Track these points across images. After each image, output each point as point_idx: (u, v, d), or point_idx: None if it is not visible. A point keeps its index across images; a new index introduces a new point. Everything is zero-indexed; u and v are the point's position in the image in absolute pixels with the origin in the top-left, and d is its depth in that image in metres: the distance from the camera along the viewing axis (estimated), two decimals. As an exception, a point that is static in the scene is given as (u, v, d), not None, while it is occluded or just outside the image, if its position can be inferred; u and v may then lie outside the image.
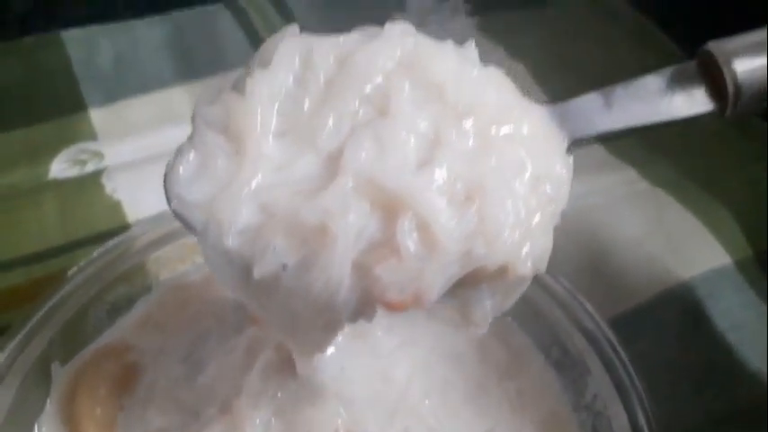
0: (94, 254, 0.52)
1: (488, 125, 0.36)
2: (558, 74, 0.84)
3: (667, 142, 0.76)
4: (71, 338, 0.51)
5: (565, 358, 0.50)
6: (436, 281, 0.34)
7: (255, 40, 0.87)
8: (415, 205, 0.33)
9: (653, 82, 0.40)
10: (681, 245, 0.66)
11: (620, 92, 0.40)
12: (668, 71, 0.40)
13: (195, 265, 0.55)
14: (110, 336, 0.52)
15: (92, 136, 0.76)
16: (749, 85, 0.38)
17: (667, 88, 0.40)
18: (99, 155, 0.74)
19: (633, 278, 0.64)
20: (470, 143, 0.35)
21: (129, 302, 0.54)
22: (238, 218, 0.34)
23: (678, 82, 0.40)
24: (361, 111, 0.36)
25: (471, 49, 0.39)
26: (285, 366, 0.47)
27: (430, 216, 0.33)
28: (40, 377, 0.48)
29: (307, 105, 0.36)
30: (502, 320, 0.52)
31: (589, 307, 0.50)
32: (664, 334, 0.60)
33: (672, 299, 0.62)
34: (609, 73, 0.81)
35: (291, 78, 0.36)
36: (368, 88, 0.36)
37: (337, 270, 0.33)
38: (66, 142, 0.75)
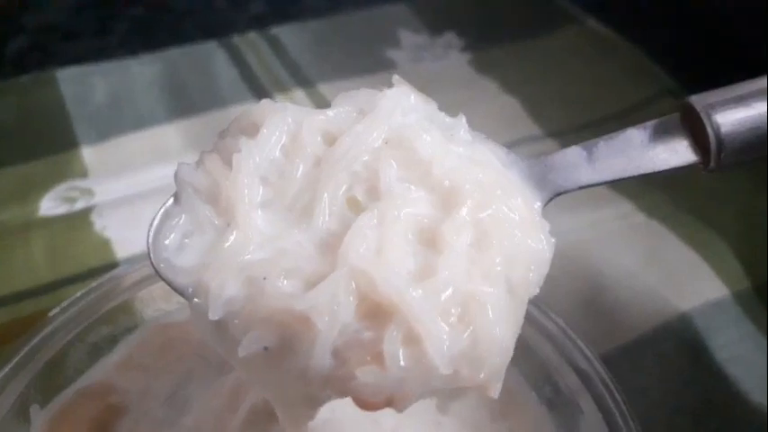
0: (77, 294, 0.51)
1: (478, 211, 0.35)
2: (552, 107, 0.84)
3: (663, 175, 0.75)
4: (51, 380, 0.49)
5: (557, 398, 0.49)
6: (415, 392, 0.33)
7: (250, 78, 0.88)
8: (410, 319, 0.33)
9: (636, 135, 0.40)
10: (678, 277, 0.65)
11: (603, 145, 0.40)
12: (651, 124, 0.40)
13: (180, 304, 0.54)
14: (91, 377, 0.50)
15: (83, 173, 0.76)
16: (731, 138, 0.38)
17: (650, 141, 0.40)
18: (89, 192, 0.73)
19: (630, 312, 0.63)
20: (467, 240, 0.35)
21: (111, 343, 0.52)
22: (225, 290, 0.34)
23: (661, 135, 0.40)
24: (350, 192, 0.36)
25: (461, 123, 0.39)
26: (271, 410, 0.45)
27: (423, 333, 0.32)
28: (19, 420, 0.47)
29: (295, 180, 0.36)
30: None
31: (582, 345, 0.49)
32: (662, 367, 0.59)
33: (669, 332, 0.61)
34: (604, 106, 0.83)
35: (278, 151, 0.37)
36: (356, 166, 0.36)
37: (316, 361, 0.33)
38: (57, 180, 0.75)
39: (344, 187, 0.36)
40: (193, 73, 0.88)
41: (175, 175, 0.38)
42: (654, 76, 0.87)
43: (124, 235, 0.69)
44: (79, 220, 0.71)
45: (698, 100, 0.39)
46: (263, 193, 0.36)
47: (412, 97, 0.39)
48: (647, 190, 0.74)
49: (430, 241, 0.35)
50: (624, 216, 0.72)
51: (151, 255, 0.37)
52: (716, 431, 0.56)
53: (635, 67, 0.89)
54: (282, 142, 0.37)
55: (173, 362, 0.51)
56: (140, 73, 0.88)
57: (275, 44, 0.92)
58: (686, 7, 0.87)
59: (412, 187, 0.36)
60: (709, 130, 0.38)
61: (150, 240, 0.37)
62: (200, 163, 0.38)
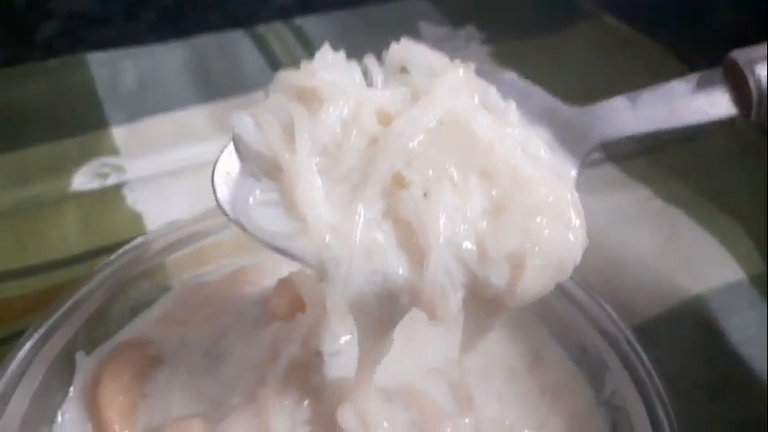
0: (118, 251, 0.53)
1: (528, 219, 0.37)
2: (572, 99, 0.85)
3: (680, 162, 0.77)
4: (95, 330, 0.51)
5: (585, 357, 0.51)
6: None
7: (275, 65, 0.90)
8: None
9: (679, 87, 0.41)
10: (695, 260, 0.67)
11: (647, 96, 0.42)
12: (694, 77, 0.42)
13: (215, 266, 0.56)
14: (132, 330, 0.52)
15: (114, 151, 0.77)
16: None
17: (693, 93, 0.41)
18: (121, 169, 0.75)
19: (648, 292, 0.64)
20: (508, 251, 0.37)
21: (150, 300, 0.54)
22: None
23: (704, 87, 0.41)
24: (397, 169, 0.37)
25: (512, 108, 0.41)
26: (311, 360, 0.47)
27: None
28: (65, 366, 0.49)
29: (351, 154, 0.38)
30: (522, 319, 0.52)
31: (609, 308, 0.51)
32: (679, 346, 0.60)
33: (686, 312, 0.62)
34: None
35: (338, 126, 0.38)
36: (411, 145, 0.37)
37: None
38: (89, 157, 0.76)
39: (397, 164, 0.37)
40: (220, 59, 0.90)
41: (233, 128, 0.39)
42: (673, 71, 0.88)
43: (155, 209, 0.70)
44: (111, 195, 0.72)
45: (740, 55, 0.41)
46: (319, 161, 0.38)
47: (467, 81, 0.40)
48: (664, 177, 0.75)
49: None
50: (642, 201, 0.73)
51: (219, 197, 0.39)
52: (733, 407, 0.57)
53: (654, 61, 0.91)
54: (342, 117, 0.38)
55: (210, 318, 0.52)
56: (169, 58, 0.90)
57: (300, 34, 0.94)
58: (704, 2, 0.88)
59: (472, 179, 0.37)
60: (751, 82, 0.39)
61: (216, 183, 0.39)
62: (257, 122, 0.39)
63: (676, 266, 0.66)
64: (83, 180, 0.74)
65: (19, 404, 0.44)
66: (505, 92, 0.44)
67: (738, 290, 0.64)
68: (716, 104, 0.41)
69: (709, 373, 0.58)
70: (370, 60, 0.42)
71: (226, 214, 0.39)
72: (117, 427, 0.46)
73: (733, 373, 0.59)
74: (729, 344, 0.60)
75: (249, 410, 0.44)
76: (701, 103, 0.41)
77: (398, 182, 0.37)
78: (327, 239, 0.36)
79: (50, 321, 0.48)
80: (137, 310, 0.53)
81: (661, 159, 0.78)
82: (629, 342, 0.48)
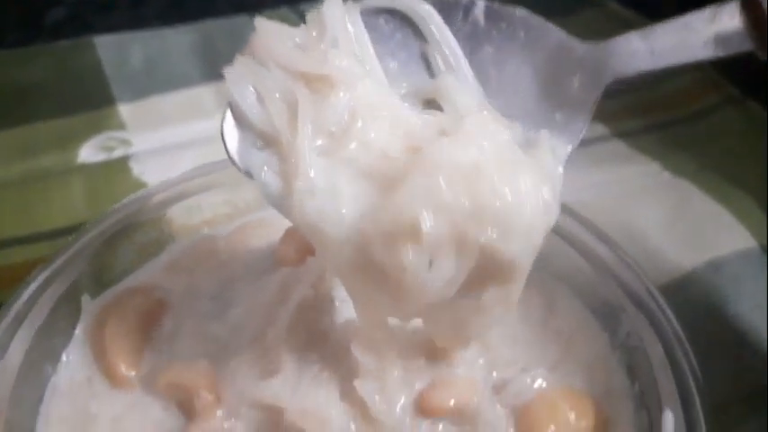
0: (124, 200, 0.53)
1: None
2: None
3: (686, 138, 0.78)
4: (101, 275, 0.51)
5: (599, 303, 0.50)
6: None
7: (281, 47, 0.90)
8: None
9: (693, 21, 0.40)
10: (705, 229, 0.66)
11: (661, 32, 0.40)
12: (709, 10, 0.40)
13: (222, 219, 0.56)
14: (139, 276, 0.52)
15: (120, 126, 0.78)
16: None
17: (707, 27, 0.39)
18: (127, 142, 0.75)
19: (658, 261, 0.64)
20: None
21: (157, 249, 0.54)
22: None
23: (719, 22, 0.39)
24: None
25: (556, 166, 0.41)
26: (321, 303, 0.46)
27: None
28: (70, 308, 0.49)
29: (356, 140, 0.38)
30: (535, 270, 0.52)
31: (622, 253, 0.51)
32: (689, 314, 0.59)
33: (696, 280, 0.62)
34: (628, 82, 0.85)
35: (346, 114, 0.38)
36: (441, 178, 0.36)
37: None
38: (95, 131, 0.77)
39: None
40: (227, 42, 0.90)
41: (231, 94, 0.40)
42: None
43: (161, 180, 0.70)
44: (117, 167, 0.72)
45: None
46: (321, 143, 0.38)
47: (494, 121, 0.40)
48: (671, 151, 0.75)
49: None
50: (651, 174, 0.73)
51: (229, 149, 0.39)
52: (750, 367, 0.56)
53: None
54: (352, 106, 0.38)
55: (217, 267, 0.52)
56: (175, 41, 0.90)
57: (305, 18, 0.94)
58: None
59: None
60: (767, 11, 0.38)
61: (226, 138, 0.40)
62: (259, 96, 0.39)
63: (686, 236, 0.66)
64: (89, 153, 0.74)
65: (22, 342, 0.44)
66: (517, 28, 0.44)
67: (749, 257, 0.64)
68: (732, 39, 0.39)
69: (725, 334, 0.58)
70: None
71: (236, 165, 0.39)
72: (123, 367, 0.45)
73: (749, 334, 0.58)
74: (740, 310, 0.60)
75: (257, 350, 0.44)
76: (716, 38, 0.39)
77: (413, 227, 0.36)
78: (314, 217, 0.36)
79: (57, 262, 0.48)
80: (144, 258, 0.53)
81: (667, 136, 0.78)
82: (644, 285, 0.48)
